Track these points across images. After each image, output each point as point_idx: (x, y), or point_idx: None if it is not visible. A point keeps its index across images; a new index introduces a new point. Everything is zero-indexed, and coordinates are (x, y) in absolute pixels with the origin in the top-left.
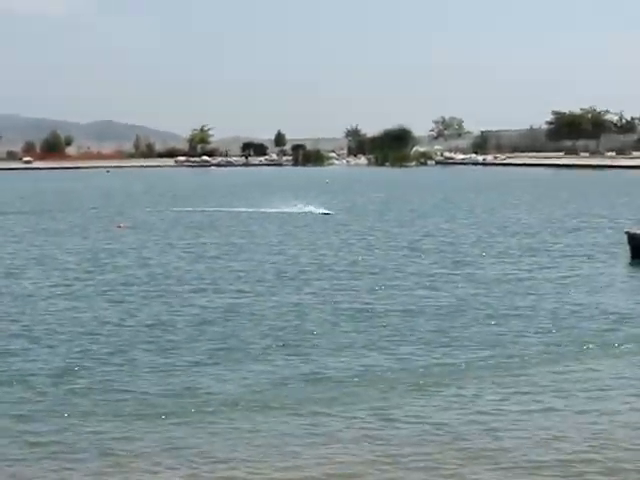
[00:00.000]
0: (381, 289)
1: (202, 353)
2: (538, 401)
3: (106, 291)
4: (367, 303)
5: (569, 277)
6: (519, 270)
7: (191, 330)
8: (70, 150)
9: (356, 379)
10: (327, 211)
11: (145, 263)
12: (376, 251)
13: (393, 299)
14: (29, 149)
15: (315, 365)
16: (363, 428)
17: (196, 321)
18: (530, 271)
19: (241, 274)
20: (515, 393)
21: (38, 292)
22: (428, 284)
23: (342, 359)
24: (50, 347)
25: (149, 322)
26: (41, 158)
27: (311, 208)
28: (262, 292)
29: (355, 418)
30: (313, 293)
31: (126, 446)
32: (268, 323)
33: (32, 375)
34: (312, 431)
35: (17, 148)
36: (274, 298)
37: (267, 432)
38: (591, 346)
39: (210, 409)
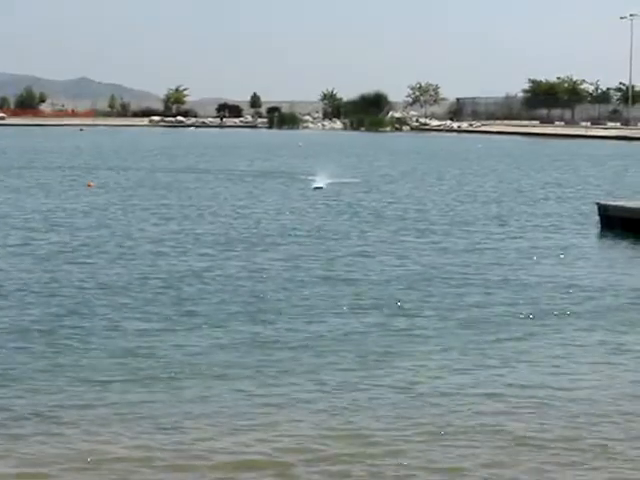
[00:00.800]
0: (344, 256)
1: (159, 317)
2: (494, 373)
3: (65, 252)
4: (330, 270)
5: (536, 248)
6: (485, 239)
7: (149, 294)
8: (44, 107)
9: (316, 346)
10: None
11: (107, 224)
12: (342, 217)
13: (355, 266)
14: (2, 105)
15: (275, 331)
16: (319, 396)
17: (155, 285)
18: (496, 241)
19: (205, 237)
20: (474, 364)
21: None
22: (391, 251)
23: (302, 325)
24: (1, 309)
25: (106, 284)
26: (14, 114)
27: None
28: (226, 256)
29: (317, 385)
30: (276, 258)
31: (71, 412)
32: (229, 288)
33: None
34: (267, 400)
35: None
36: (237, 263)
37: (220, 399)
38: (553, 318)
39: (164, 375)
